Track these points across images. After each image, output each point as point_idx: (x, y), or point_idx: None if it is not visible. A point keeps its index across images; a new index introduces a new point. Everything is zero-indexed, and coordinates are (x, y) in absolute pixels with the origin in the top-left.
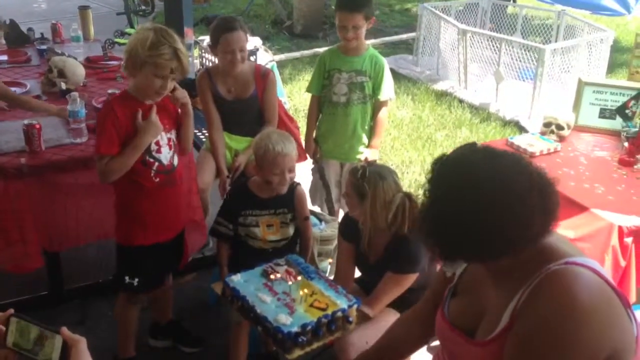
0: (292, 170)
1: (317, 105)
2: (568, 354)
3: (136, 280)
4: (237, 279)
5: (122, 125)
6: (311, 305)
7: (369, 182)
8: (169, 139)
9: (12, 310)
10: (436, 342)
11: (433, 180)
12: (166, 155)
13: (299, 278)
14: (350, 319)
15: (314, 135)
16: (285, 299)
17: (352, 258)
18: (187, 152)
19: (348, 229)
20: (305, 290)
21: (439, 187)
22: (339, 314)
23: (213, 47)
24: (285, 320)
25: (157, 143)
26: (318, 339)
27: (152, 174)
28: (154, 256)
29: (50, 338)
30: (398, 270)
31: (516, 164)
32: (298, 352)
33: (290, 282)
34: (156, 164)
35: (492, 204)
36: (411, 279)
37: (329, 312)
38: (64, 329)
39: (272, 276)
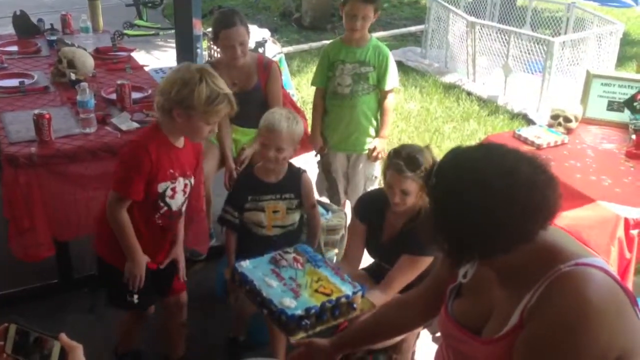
0: (280, 149)
1: (322, 99)
2: (579, 355)
3: (135, 297)
4: (246, 264)
5: (153, 168)
6: (316, 291)
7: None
8: (186, 185)
9: (6, 325)
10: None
11: (437, 184)
12: (178, 201)
13: (306, 265)
14: (355, 305)
15: (320, 128)
16: (291, 284)
17: (363, 239)
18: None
19: (364, 209)
20: (311, 277)
21: (445, 188)
22: (343, 299)
23: (214, 41)
24: (290, 304)
25: (173, 189)
26: (322, 323)
27: (155, 216)
28: (148, 276)
29: (48, 344)
30: (414, 252)
31: (517, 155)
32: (301, 335)
33: (296, 269)
34: (165, 208)
35: (501, 197)
36: (426, 261)
37: (333, 297)
38: (63, 335)
39: (280, 263)
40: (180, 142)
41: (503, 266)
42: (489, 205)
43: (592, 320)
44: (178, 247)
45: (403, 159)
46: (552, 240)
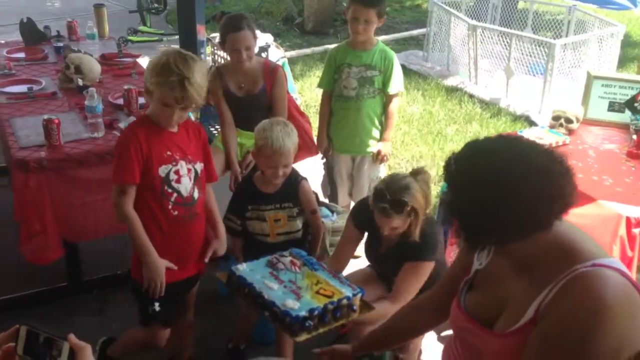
0: (287, 165)
1: (328, 101)
2: (590, 356)
3: (156, 305)
4: (242, 267)
5: (144, 151)
6: (317, 293)
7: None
8: (189, 170)
9: (17, 326)
10: (446, 332)
11: (455, 172)
12: (186, 186)
13: (303, 268)
14: (354, 307)
15: (326, 130)
16: (291, 287)
17: (354, 244)
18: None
19: (361, 218)
20: (311, 280)
21: (463, 173)
22: (344, 301)
23: (221, 45)
24: (293, 305)
25: (177, 172)
26: (324, 325)
27: (169, 206)
28: (171, 292)
29: (58, 344)
30: (415, 258)
31: (533, 145)
32: (305, 336)
33: (295, 272)
34: (175, 195)
35: (515, 182)
36: (428, 267)
37: (335, 299)
38: (71, 336)
39: (277, 266)
40: (172, 127)
41: (519, 256)
42: (503, 189)
43: (606, 321)
44: (218, 241)
45: (388, 202)
46: (570, 238)
